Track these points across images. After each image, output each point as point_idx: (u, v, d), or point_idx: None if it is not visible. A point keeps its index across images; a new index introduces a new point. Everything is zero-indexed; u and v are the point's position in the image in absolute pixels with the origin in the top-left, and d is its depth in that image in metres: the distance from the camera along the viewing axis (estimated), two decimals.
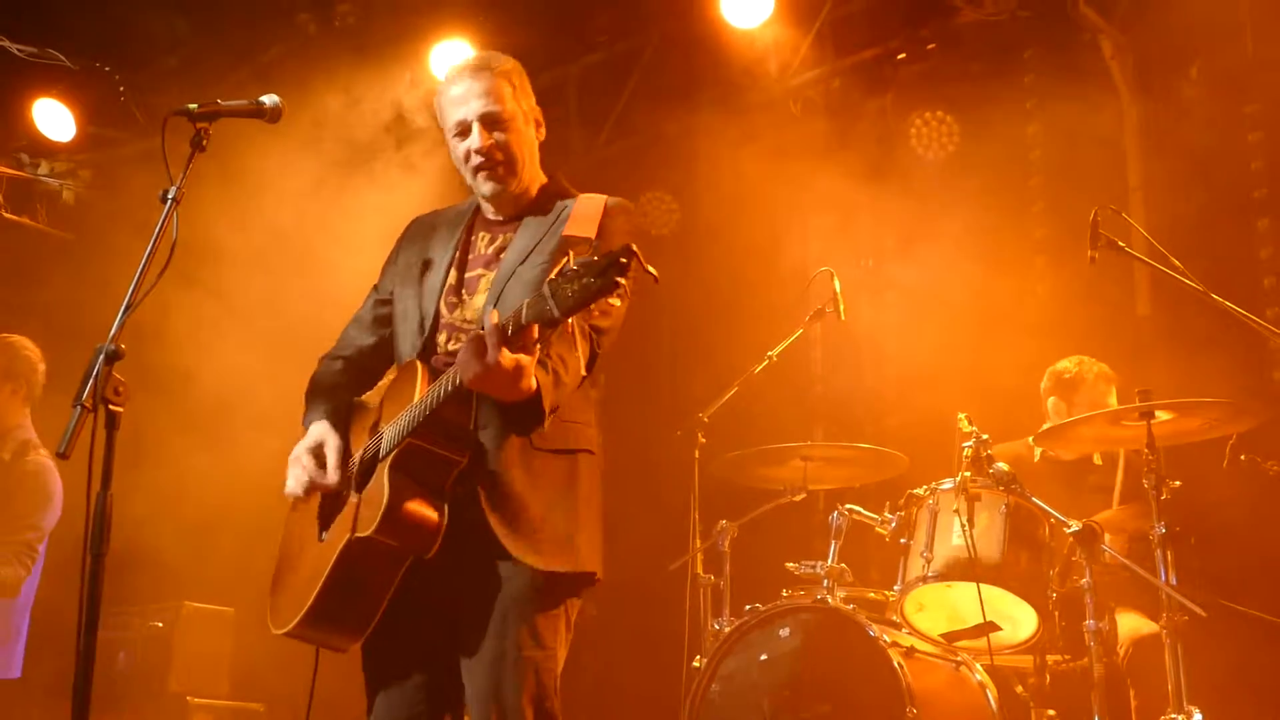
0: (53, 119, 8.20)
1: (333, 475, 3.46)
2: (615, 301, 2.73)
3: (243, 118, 3.42)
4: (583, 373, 3.26)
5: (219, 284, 7.24)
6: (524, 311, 2.85)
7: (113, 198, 8.78)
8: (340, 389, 3.67)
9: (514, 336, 2.93)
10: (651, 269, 2.74)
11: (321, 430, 3.55)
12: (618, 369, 9.03)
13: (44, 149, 8.66)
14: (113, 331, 2.99)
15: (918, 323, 7.05)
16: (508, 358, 2.92)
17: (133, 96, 8.08)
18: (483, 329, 3.01)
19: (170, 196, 3.20)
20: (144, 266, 3.10)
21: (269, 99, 3.45)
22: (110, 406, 2.91)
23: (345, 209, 7.32)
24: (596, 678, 7.69)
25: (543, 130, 3.68)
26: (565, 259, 2.77)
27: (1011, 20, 7.07)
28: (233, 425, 7.03)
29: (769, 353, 6.06)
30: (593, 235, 3.10)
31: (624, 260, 2.69)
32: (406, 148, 7.57)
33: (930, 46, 7.39)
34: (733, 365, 6.22)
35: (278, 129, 3.52)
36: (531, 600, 3.31)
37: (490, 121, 3.52)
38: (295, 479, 3.51)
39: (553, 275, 2.77)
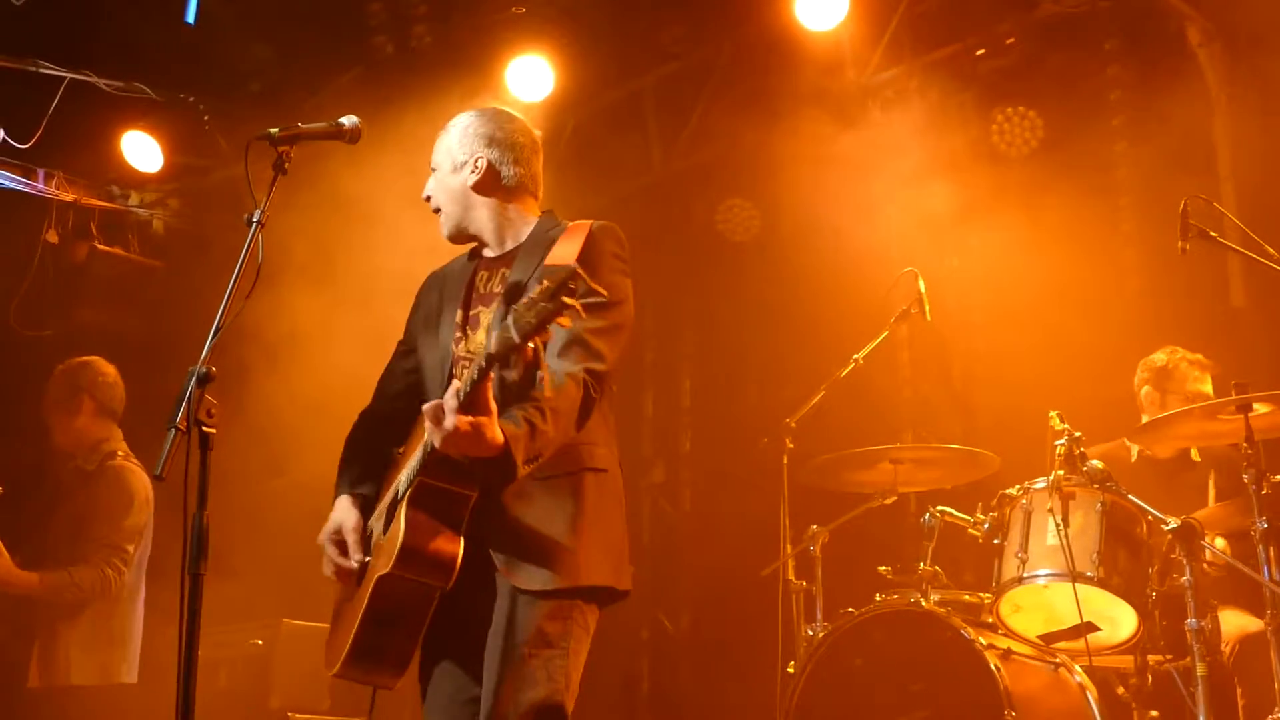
0: (141, 150, 8.35)
1: (355, 558, 3.62)
2: (565, 322, 2.86)
3: (323, 140, 3.48)
4: (574, 415, 3.36)
5: (311, 302, 7.31)
6: (492, 342, 2.96)
7: (200, 224, 8.94)
8: (369, 445, 3.86)
9: (467, 400, 3.05)
10: (600, 289, 2.97)
11: (340, 514, 3.72)
12: (704, 377, 9.05)
13: (133, 180, 8.80)
14: (203, 354, 3.04)
15: (1005, 321, 6.96)
16: (463, 421, 3.04)
17: (216, 125, 8.23)
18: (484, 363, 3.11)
19: (255, 220, 3.27)
20: (231, 289, 3.16)
21: (348, 120, 3.51)
22: (204, 428, 2.97)
23: (421, 228, 7.36)
24: (691, 685, 7.67)
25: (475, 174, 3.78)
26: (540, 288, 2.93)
27: (1092, 11, 6.96)
28: (332, 438, 7.09)
29: (855, 356, 6.02)
30: (572, 261, 3.15)
31: (571, 285, 2.84)
32: None
33: (1010, 41, 7.28)
34: (819, 370, 6.19)
35: (356, 149, 3.58)
36: (537, 608, 3.41)
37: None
38: (325, 563, 3.72)
39: (519, 304, 2.90)
